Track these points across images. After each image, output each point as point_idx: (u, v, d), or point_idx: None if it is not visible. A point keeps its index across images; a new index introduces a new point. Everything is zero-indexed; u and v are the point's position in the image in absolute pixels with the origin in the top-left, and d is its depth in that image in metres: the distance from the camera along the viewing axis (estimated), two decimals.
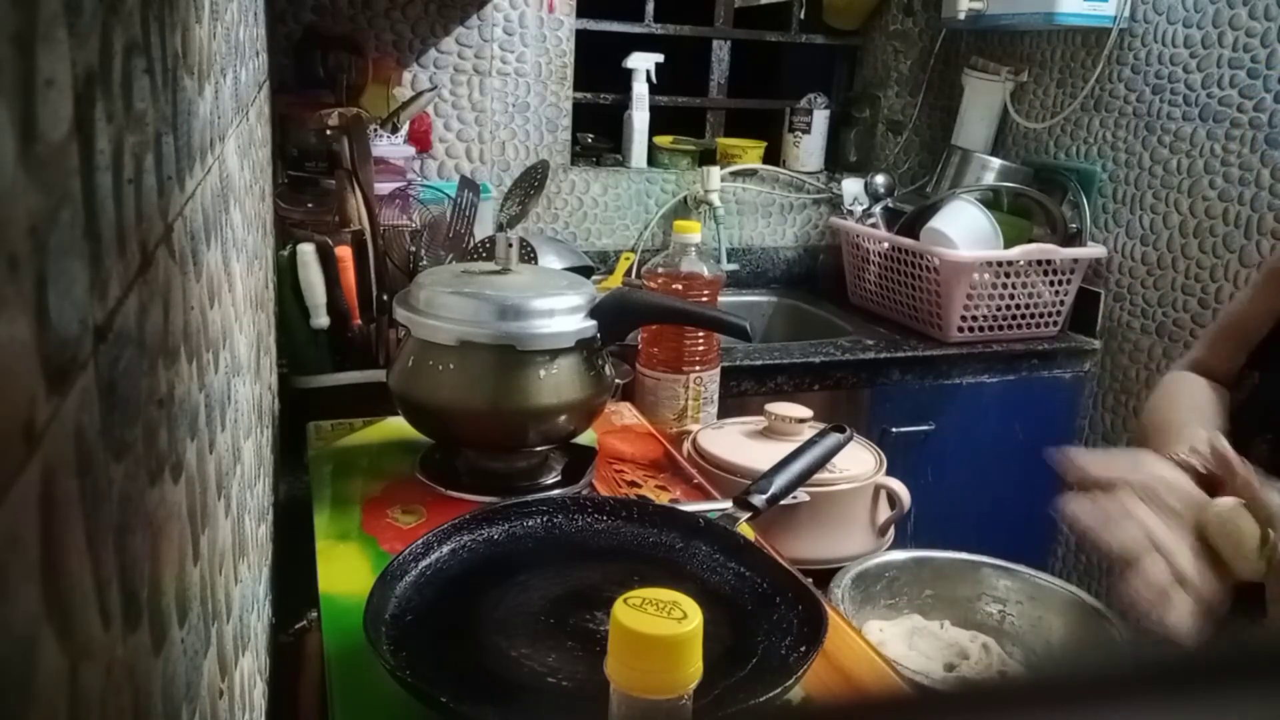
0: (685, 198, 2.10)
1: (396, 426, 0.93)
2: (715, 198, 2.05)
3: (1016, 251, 1.82)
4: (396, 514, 0.80)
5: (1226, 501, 0.66)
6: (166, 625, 0.29)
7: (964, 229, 1.82)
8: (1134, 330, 1.90)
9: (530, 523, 0.72)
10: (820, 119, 2.21)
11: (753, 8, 2.25)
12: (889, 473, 0.98)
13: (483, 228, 1.45)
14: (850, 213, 2.10)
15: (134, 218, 0.26)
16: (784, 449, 0.85)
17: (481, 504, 0.74)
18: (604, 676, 0.42)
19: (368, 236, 1.13)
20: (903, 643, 0.83)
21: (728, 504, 0.77)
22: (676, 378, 1.13)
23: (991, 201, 1.92)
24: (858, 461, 0.97)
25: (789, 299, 2.15)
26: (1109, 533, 0.66)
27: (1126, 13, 1.86)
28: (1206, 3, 1.74)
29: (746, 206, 2.18)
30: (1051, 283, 1.88)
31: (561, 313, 0.82)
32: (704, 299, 1.13)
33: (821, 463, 0.85)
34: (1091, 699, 0.16)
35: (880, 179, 2.13)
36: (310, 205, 1.28)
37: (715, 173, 2.05)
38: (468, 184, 1.26)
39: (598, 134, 2.19)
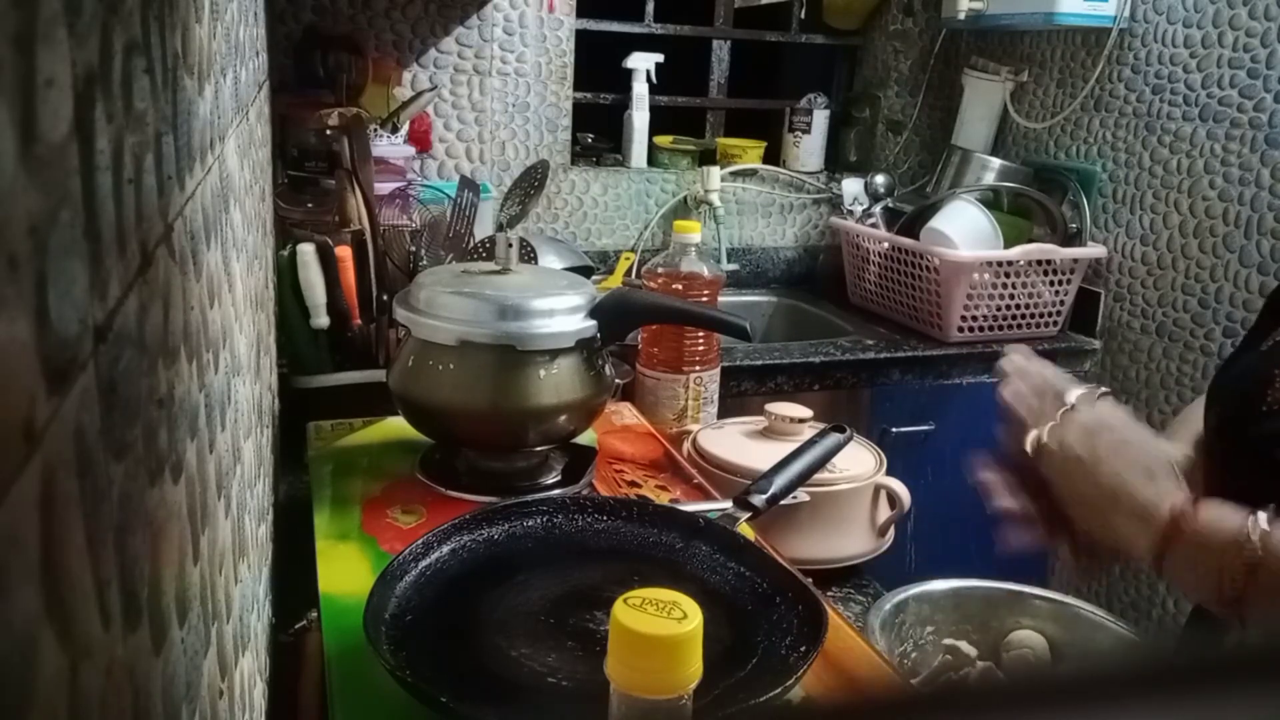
0: (685, 198, 2.10)
1: (396, 426, 0.93)
2: (715, 198, 2.05)
3: (1016, 251, 1.81)
4: (396, 514, 0.80)
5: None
6: (166, 625, 0.29)
7: (964, 229, 1.82)
8: (1134, 330, 1.90)
9: (530, 523, 0.72)
10: (820, 119, 2.21)
11: (753, 8, 2.25)
12: (889, 473, 0.98)
13: (483, 228, 1.45)
14: (850, 213, 2.10)
15: (134, 218, 0.26)
16: (784, 449, 0.85)
17: (481, 504, 0.74)
18: (604, 676, 0.41)
19: (368, 236, 1.13)
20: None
21: (728, 504, 0.77)
22: (676, 378, 1.13)
23: (991, 201, 1.92)
24: (858, 461, 0.97)
25: (789, 299, 2.15)
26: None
27: (1126, 13, 1.86)
28: (1206, 3, 1.74)
29: (746, 206, 2.18)
30: (1051, 283, 1.88)
31: (561, 313, 0.82)
32: (704, 299, 1.13)
33: (821, 463, 0.85)
34: (1091, 699, 0.16)
35: (880, 179, 2.13)
36: (310, 205, 1.28)
37: (715, 173, 2.05)
38: (468, 184, 1.26)
39: (598, 134, 2.19)
